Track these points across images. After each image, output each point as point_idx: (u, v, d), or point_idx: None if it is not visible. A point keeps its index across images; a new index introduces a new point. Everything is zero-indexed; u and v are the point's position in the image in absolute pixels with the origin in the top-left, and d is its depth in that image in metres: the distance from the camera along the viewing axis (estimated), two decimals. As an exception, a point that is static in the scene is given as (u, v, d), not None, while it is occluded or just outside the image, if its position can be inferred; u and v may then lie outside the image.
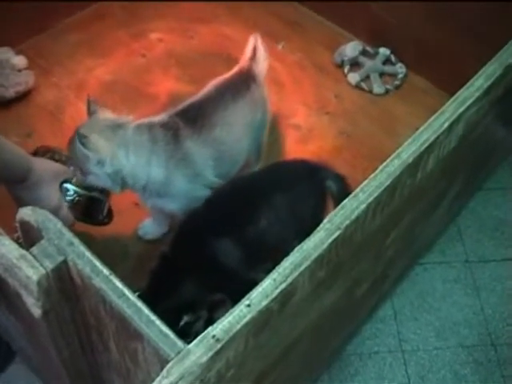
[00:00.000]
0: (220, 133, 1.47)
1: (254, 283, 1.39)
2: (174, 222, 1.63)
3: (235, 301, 1.38)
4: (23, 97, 1.91)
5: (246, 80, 1.56)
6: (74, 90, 1.96)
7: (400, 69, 2.12)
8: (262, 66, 1.62)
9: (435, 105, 2.03)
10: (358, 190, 1.00)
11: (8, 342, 1.46)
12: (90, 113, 1.40)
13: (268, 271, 1.42)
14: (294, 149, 1.89)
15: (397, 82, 2.10)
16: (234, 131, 1.51)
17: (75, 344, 1.04)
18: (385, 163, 1.04)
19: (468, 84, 1.20)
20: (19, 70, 1.92)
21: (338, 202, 1.44)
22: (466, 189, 1.72)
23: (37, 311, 0.90)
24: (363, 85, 2.08)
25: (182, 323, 1.25)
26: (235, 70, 1.59)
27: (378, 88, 2.07)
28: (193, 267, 1.30)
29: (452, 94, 1.22)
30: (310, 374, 1.52)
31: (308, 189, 1.41)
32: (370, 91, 2.08)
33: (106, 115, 1.41)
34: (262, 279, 1.40)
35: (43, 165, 1.39)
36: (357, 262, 1.18)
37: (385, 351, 1.69)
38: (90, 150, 1.32)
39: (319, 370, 1.59)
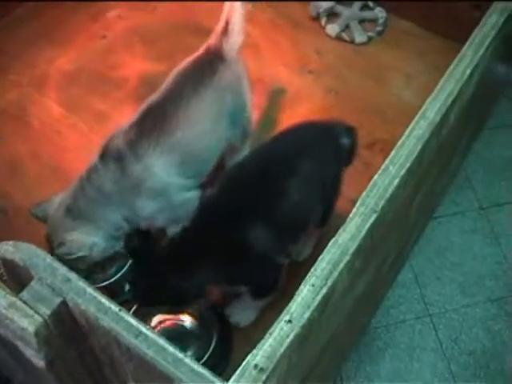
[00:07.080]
0: (182, 135, 1.29)
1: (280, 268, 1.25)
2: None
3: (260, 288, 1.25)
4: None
5: (211, 62, 1.36)
6: (36, 86, 1.77)
7: (380, 13, 1.97)
8: (235, 39, 1.37)
9: (422, 46, 1.92)
10: (387, 162, 0.86)
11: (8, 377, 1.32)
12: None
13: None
14: (283, 115, 1.73)
15: (379, 28, 1.95)
16: (198, 128, 1.33)
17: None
18: (410, 126, 0.90)
19: (481, 23, 1.07)
20: (-28, 72, 1.74)
21: (350, 156, 1.31)
22: (475, 132, 1.59)
23: (39, 362, 0.76)
24: (344, 35, 1.93)
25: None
26: (202, 49, 1.39)
27: (359, 36, 1.92)
28: (215, 251, 1.13)
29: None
30: (341, 356, 1.41)
31: (325, 150, 1.25)
32: (352, 41, 1.93)
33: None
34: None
35: None
36: (386, 239, 1.05)
37: (412, 318, 1.58)
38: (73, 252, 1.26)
39: (348, 350, 1.47)
